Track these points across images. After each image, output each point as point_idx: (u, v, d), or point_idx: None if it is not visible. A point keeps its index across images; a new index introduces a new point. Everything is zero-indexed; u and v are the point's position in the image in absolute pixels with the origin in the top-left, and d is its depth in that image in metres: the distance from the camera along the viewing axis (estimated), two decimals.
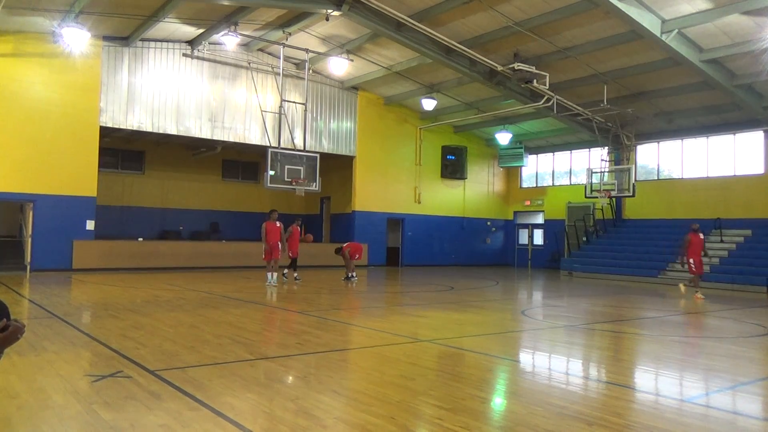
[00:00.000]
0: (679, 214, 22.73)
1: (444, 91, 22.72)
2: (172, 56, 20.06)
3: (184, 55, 20.22)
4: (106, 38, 18.60)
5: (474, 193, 28.19)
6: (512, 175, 29.59)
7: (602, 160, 23.41)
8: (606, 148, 23.37)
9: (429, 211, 26.35)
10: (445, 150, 26.89)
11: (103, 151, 19.51)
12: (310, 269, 20.05)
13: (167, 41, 19.80)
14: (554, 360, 7.30)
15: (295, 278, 16.45)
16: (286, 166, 18.55)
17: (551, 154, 27.90)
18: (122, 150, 23.35)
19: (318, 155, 19.88)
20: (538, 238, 28.41)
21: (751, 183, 20.95)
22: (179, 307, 10.54)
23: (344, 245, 17.30)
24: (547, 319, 10.85)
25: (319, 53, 20.42)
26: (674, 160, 23.64)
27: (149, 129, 19.70)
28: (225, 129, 21.07)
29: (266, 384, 5.42)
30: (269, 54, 21.53)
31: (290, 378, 5.75)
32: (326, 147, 23.30)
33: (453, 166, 26.98)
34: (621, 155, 23.85)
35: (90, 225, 18.50)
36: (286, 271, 16.80)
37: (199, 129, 20.59)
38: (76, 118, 18.13)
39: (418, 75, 21.75)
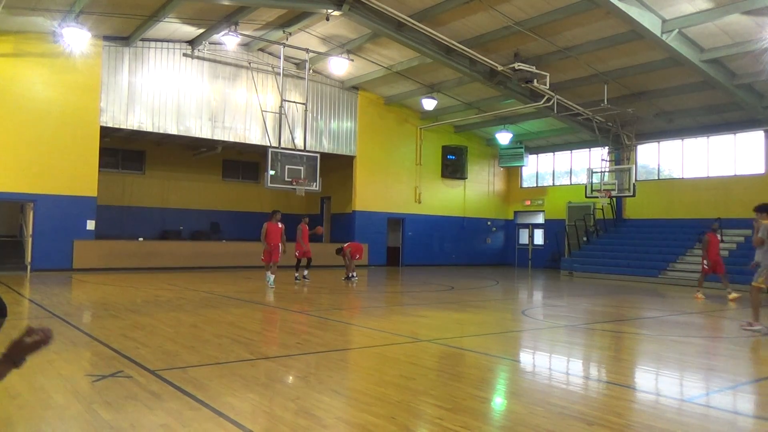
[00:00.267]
0: (680, 214, 22.74)
1: (444, 90, 22.72)
2: (172, 56, 20.06)
3: (185, 55, 20.22)
4: (106, 38, 18.61)
5: (474, 192, 28.19)
6: (513, 174, 29.59)
7: (603, 159, 23.42)
8: (606, 147, 23.38)
9: (429, 211, 26.35)
10: (446, 150, 26.89)
11: (103, 151, 19.52)
12: (310, 269, 20.06)
13: (168, 41, 19.80)
14: (554, 360, 7.30)
15: (296, 278, 16.18)
16: (287, 166, 18.56)
17: (551, 153, 27.90)
18: (122, 150, 23.35)
19: (318, 155, 19.90)
20: (539, 238, 28.41)
21: (751, 183, 20.92)
22: (180, 307, 10.54)
23: (345, 245, 17.28)
24: (548, 319, 10.85)
25: (319, 53, 20.42)
26: (675, 159, 23.63)
27: (149, 129, 19.70)
28: (225, 129, 21.08)
29: (267, 384, 5.42)
30: (269, 54, 21.53)
31: (291, 378, 5.75)
32: (326, 147, 23.30)
33: (453, 166, 26.99)
34: (621, 155, 23.85)
35: (90, 225, 18.51)
36: (306, 272, 16.49)
37: (200, 129, 20.59)
38: (77, 118, 18.14)
39: (419, 75, 21.75)
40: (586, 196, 23.76)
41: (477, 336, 8.52)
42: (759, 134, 20.99)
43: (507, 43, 18.11)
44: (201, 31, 18.97)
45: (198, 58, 20.39)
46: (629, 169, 22.50)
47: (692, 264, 19.87)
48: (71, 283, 15.08)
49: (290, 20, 18.18)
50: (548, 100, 20.17)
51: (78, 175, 18.22)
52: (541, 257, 27.70)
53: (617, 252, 22.62)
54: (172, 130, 20.11)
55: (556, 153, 27.75)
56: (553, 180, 28.04)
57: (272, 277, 14.38)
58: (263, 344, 7.65)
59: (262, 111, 21.11)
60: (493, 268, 26.21)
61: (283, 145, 19.59)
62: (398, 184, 25.40)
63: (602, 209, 24.38)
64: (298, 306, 11.61)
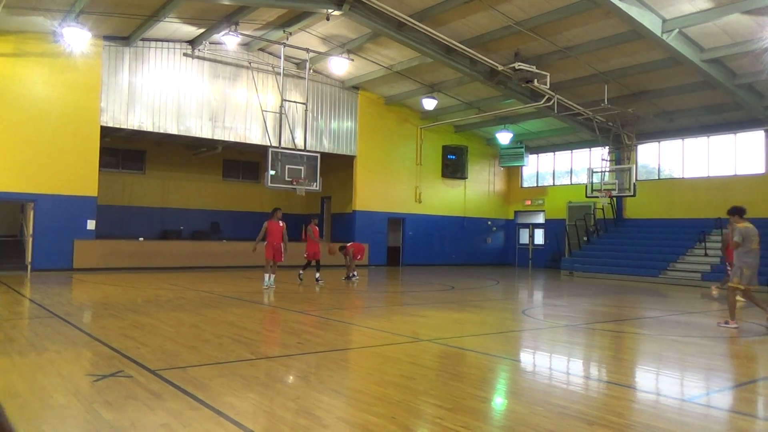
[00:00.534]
0: (680, 213, 22.74)
1: (444, 90, 22.72)
2: (172, 56, 20.06)
3: (185, 54, 20.22)
4: (106, 38, 18.61)
5: (475, 192, 28.19)
6: (513, 174, 29.59)
7: (603, 159, 23.42)
8: (607, 147, 23.37)
9: (430, 211, 26.35)
10: (446, 150, 26.89)
11: (103, 150, 19.52)
12: (309, 269, 20.05)
13: (168, 41, 19.80)
14: (555, 359, 7.30)
15: (299, 276, 15.84)
16: (287, 166, 18.57)
17: (552, 153, 27.90)
18: (123, 150, 23.35)
19: (319, 155, 19.91)
20: (539, 237, 28.41)
21: (752, 183, 20.93)
22: (180, 306, 10.54)
23: (348, 244, 17.24)
24: (548, 319, 10.84)
25: (319, 53, 20.42)
26: (675, 159, 23.63)
27: (150, 129, 19.70)
28: (226, 129, 21.08)
29: (267, 383, 5.42)
30: (270, 54, 21.53)
31: (291, 377, 5.75)
32: (327, 147, 23.30)
33: (454, 166, 26.99)
34: (622, 155, 23.84)
35: (91, 225, 18.51)
36: (318, 275, 16.03)
37: (200, 129, 20.59)
38: (77, 117, 18.14)
39: (419, 75, 21.74)
40: (586, 196, 23.76)
41: (477, 336, 8.52)
42: (759, 134, 20.99)
43: (507, 43, 18.11)
44: (201, 30, 18.97)
45: (198, 57, 20.39)
46: (629, 169, 22.50)
47: (693, 264, 19.89)
48: (72, 283, 15.08)
49: (290, 20, 18.18)
50: (548, 99, 20.16)
51: (78, 175, 18.22)
52: (542, 257, 27.70)
53: (618, 252, 22.61)
54: (173, 129, 20.10)
55: (556, 153, 27.75)
56: (554, 180, 28.04)
57: (273, 276, 14.02)
58: (264, 344, 7.65)
59: (262, 111, 21.11)
60: (493, 268, 26.21)
61: (283, 145, 19.60)
62: (398, 184, 25.40)
63: (602, 209, 24.38)
64: (298, 306, 11.61)
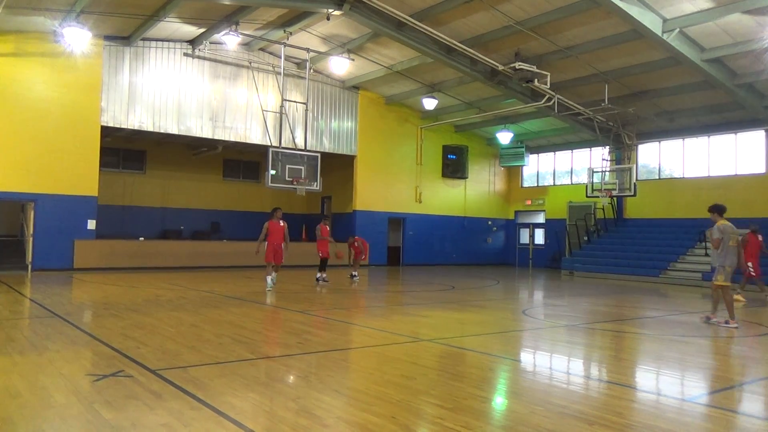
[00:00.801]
0: (681, 213, 22.72)
1: (445, 90, 22.72)
2: (173, 56, 20.06)
3: (185, 54, 20.22)
4: (107, 38, 18.61)
5: (475, 192, 28.18)
6: (513, 174, 29.58)
7: (603, 159, 23.41)
8: (607, 147, 23.36)
9: (430, 211, 26.34)
10: (446, 149, 26.89)
11: (104, 150, 19.52)
12: (310, 269, 20.06)
13: (168, 41, 19.80)
14: (555, 359, 7.30)
15: (321, 279, 15.71)
16: (287, 166, 18.57)
17: (552, 153, 27.89)
18: (123, 149, 23.36)
19: (319, 155, 19.91)
20: (539, 237, 28.40)
21: (752, 182, 20.93)
22: (180, 306, 10.55)
23: (357, 237, 17.10)
24: (548, 319, 10.84)
25: (320, 53, 20.41)
26: (675, 159, 23.62)
27: (150, 128, 19.70)
28: (226, 128, 21.08)
29: (267, 383, 5.43)
30: (270, 53, 21.53)
31: (291, 377, 5.75)
32: (327, 146, 23.30)
33: (454, 166, 26.99)
34: (622, 154, 23.83)
35: (91, 224, 18.51)
36: (319, 274, 15.95)
37: (200, 128, 20.59)
38: (78, 117, 18.14)
39: (419, 74, 21.74)
40: (586, 196, 23.75)
41: (478, 335, 8.52)
42: (760, 134, 20.98)
43: (508, 43, 18.10)
44: (201, 30, 18.97)
45: (199, 57, 20.39)
46: (630, 169, 22.49)
47: (693, 264, 19.89)
48: (72, 283, 15.08)
49: (291, 20, 18.18)
50: (549, 99, 20.16)
51: (79, 175, 18.22)
52: (542, 257, 27.70)
53: (618, 252, 22.61)
54: (173, 129, 20.10)
55: (556, 152, 27.74)
56: (554, 179, 28.03)
57: (275, 275, 13.75)
58: (264, 344, 7.65)
59: (262, 110, 21.12)
60: (493, 268, 26.21)
61: (283, 145, 19.61)
62: (399, 184, 25.39)
63: (603, 209, 24.37)
64: (298, 306, 11.61)
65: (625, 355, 7.69)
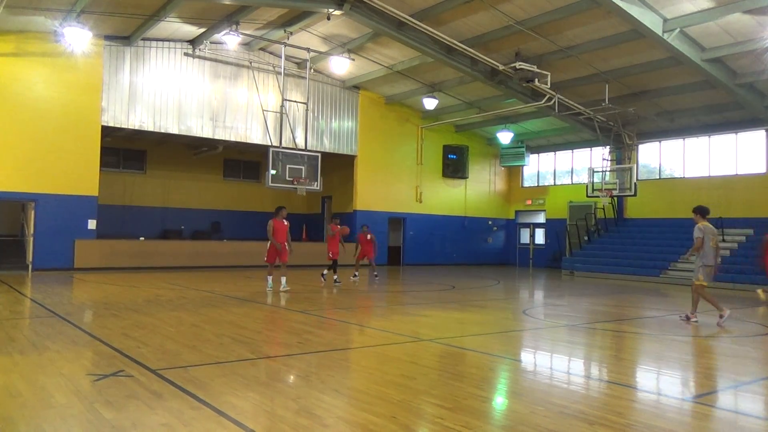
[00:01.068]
0: (681, 213, 22.65)
1: (445, 90, 22.72)
2: (173, 56, 20.07)
3: (186, 54, 20.22)
4: (107, 38, 18.62)
5: (475, 192, 28.18)
6: (514, 174, 29.58)
7: (604, 159, 23.41)
8: (608, 147, 23.36)
9: (430, 211, 26.35)
10: (447, 149, 26.89)
11: (104, 150, 19.53)
12: (310, 269, 20.08)
13: (168, 41, 19.81)
14: (555, 359, 7.30)
15: (335, 281, 15.49)
16: (288, 166, 18.57)
17: (553, 153, 27.89)
18: (124, 149, 23.37)
19: (319, 154, 19.92)
20: (540, 237, 28.41)
21: (752, 182, 20.93)
22: (181, 306, 10.55)
23: (368, 231, 16.77)
24: (549, 319, 10.84)
25: (320, 52, 20.42)
26: (676, 159, 23.62)
27: (151, 128, 19.71)
28: (226, 128, 21.08)
29: (268, 383, 5.43)
30: (271, 53, 21.53)
31: (292, 377, 5.75)
32: (327, 146, 23.31)
33: (454, 166, 26.99)
34: (623, 154, 23.84)
35: (91, 224, 18.52)
36: (325, 272, 15.88)
37: (201, 128, 20.59)
38: (78, 117, 18.15)
39: (420, 74, 21.74)
40: (587, 196, 23.75)
41: (478, 335, 8.52)
42: (760, 133, 20.98)
43: (508, 43, 18.10)
44: (202, 30, 18.98)
45: (199, 57, 20.40)
46: (630, 169, 22.49)
47: (694, 264, 19.84)
48: (72, 283, 15.09)
49: (291, 19, 18.18)
50: (549, 99, 20.16)
51: (79, 175, 18.23)
52: (542, 257, 27.69)
53: (618, 251, 22.60)
54: (173, 129, 20.11)
55: (557, 152, 27.74)
56: (555, 179, 28.03)
57: (280, 279, 13.40)
58: (264, 344, 7.65)
59: (263, 110, 21.12)
60: (494, 268, 26.21)
61: (284, 145, 19.61)
62: (399, 184, 25.40)
63: (603, 209, 24.36)
64: (299, 305, 11.61)
65: (625, 355, 7.69)
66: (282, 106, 20.22)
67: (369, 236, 16.77)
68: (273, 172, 18.26)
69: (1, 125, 17.08)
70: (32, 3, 15.20)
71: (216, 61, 20.73)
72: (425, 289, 15.80)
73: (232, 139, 21.31)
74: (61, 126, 17.87)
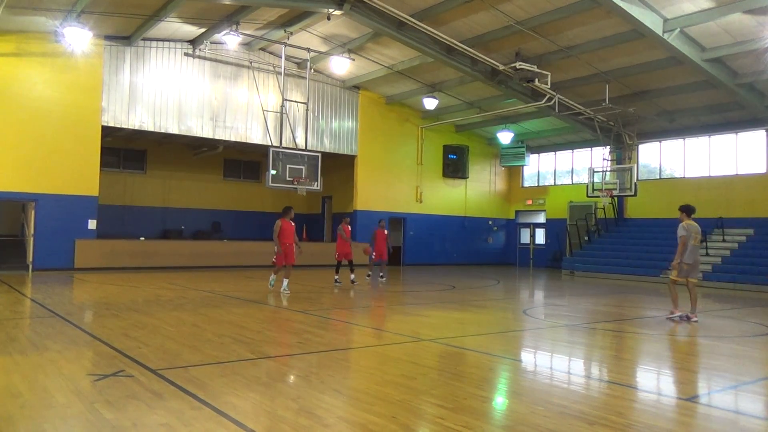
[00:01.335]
0: None
1: (445, 90, 22.71)
2: (173, 56, 20.07)
3: (186, 54, 20.22)
4: (107, 38, 18.62)
5: (475, 192, 28.18)
6: (514, 174, 29.58)
7: (604, 159, 23.40)
8: (608, 147, 23.35)
9: (430, 211, 26.34)
10: (447, 149, 26.88)
11: (104, 150, 19.53)
12: (311, 269, 20.09)
13: (169, 41, 19.81)
14: (556, 359, 7.30)
15: (336, 281, 15.47)
16: (288, 166, 18.57)
17: (553, 153, 27.89)
18: (124, 149, 23.37)
19: (319, 154, 19.92)
20: (540, 237, 28.40)
21: (753, 182, 20.92)
22: (181, 306, 10.55)
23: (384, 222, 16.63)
24: (549, 319, 10.84)
25: (320, 52, 20.41)
26: (676, 159, 23.61)
27: (151, 128, 19.71)
28: (226, 128, 21.08)
29: (268, 383, 5.42)
30: (271, 53, 21.53)
31: (292, 377, 5.75)
32: (328, 146, 23.31)
33: (454, 166, 26.99)
34: (623, 154, 23.83)
35: (92, 224, 18.52)
36: (336, 275, 15.70)
37: (201, 128, 20.59)
38: (78, 117, 18.15)
39: (420, 74, 21.73)
40: (587, 196, 23.74)
41: (478, 335, 8.52)
42: (761, 133, 20.97)
43: (508, 43, 18.10)
44: (202, 30, 18.98)
45: (199, 57, 20.39)
46: (631, 169, 22.48)
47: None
48: (73, 283, 15.09)
49: (291, 20, 18.18)
50: (549, 99, 20.15)
51: (79, 175, 18.23)
52: (543, 257, 27.69)
53: (619, 251, 22.59)
54: (174, 129, 20.11)
55: (557, 152, 27.74)
56: (555, 179, 28.02)
57: (282, 279, 13.27)
58: (264, 344, 7.65)
59: (263, 110, 21.12)
60: (494, 268, 26.20)
61: (284, 145, 19.61)
62: (399, 184, 25.39)
63: (604, 209, 24.36)
64: (299, 306, 11.61)
65: (625, 355, 7.69)
66: (282, 106, 20.21)
67: (386, 232, 16.74)
68: (273, 172, 18.26)
69: (2, 125, 17.08)
70: (32, 3, 15.20)
71: (216, 61, 20.73)
72: (425, 289, 15.80)
73: (233, 139, 21.31)
74: (61, 126, 17.87)
